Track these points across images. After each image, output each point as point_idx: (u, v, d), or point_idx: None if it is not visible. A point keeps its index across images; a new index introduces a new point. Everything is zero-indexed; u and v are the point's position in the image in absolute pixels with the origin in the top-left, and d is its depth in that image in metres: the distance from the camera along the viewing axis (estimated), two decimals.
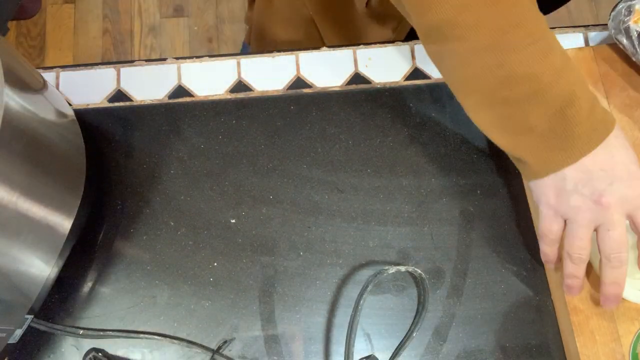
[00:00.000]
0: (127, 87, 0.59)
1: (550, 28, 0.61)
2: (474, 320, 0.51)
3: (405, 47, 0.60)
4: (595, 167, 0.44)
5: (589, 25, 0.61)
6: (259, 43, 0.82)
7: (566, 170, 0.45)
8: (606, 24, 0.61)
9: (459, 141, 0.57)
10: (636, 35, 0.53)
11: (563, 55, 0.44)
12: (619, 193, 0.44)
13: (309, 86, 0.59)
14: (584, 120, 0.43)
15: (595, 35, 0.60)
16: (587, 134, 0.44)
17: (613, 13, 0.55)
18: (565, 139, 0.44)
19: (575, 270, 0.47)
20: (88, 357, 0.49)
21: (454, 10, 0.43)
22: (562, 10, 0.77)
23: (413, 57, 0.60)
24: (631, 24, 0.53)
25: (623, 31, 0.54)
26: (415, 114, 0.58)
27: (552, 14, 0.73)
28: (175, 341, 0.49)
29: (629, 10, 0.53)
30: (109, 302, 0.52)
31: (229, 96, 0.59)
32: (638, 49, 0.54)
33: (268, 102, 0.58)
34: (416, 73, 0.59)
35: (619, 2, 0.55)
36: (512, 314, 0.52)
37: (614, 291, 0.46)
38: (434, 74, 0.59)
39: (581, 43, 0.60)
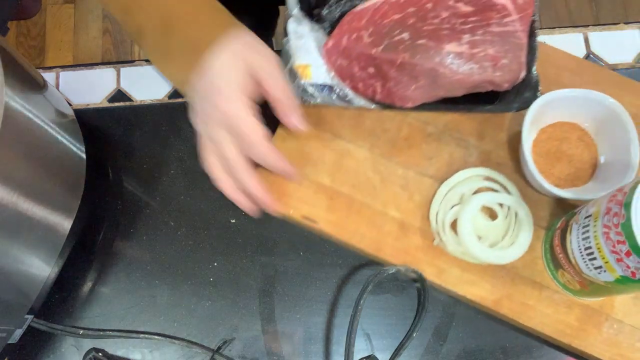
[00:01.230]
0: (127, 87, 0.59)
1: (550, 28, 0.61)
2: (474, 320, 0.51)
3: None
4: (192, 91, 0.45)
5: (588, 25, 0.61)
6: None
7: (192, 93, 0.46)
8: (606, 24, 0.61)
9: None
10: (321, 89, 0.50)
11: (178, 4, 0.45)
12: (207, 111, 0.45)
13: None
14: (176, 46, 0.44)
15: (595, 35, 0.60)
16: (180, 58, 0.45)
17: (288, 79, 0.50)
18: (171, 65, 0.46)
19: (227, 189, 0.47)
20: (88, 357, 0.49)
21: None
22: (562, 10, 0.77)
23: None
24: (301, 82, 0.49)
25: (305, 92, 0.50)
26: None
27: (552, 14, 0.73)
28: (175, 341, 0.49)
29: (293, 75, 0.49)
30: (109, 302, 0.52)
31: None
32: (334, 99, 0.50)
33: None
34: None
35: (288, 71, 0.50)
36: None
37: (257, 199, 0.47)
38: None
39: (581, 43, 0.60)
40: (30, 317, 0.48)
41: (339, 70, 0.50)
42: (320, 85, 0.50)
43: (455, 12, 0.47)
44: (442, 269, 0.50)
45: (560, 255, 0.47)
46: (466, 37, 0.46)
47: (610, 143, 0.51)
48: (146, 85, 0.59)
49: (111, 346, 0.51)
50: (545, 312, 0.49)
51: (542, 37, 0.60)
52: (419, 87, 0.48)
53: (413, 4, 0.47)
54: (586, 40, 0.60)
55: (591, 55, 0.60)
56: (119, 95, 0.59)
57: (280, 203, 0.51)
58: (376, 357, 0.47)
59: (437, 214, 0.51)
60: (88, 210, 0.53)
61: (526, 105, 0.49)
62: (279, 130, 0.53)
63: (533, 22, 0.48)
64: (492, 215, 0.51)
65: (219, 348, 0.50)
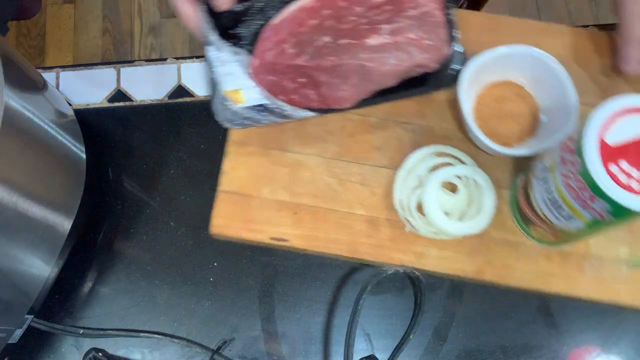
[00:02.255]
0: (127, 87, 0.59)
1: None
2: (474, 320, 0.51)
3: None
4: None
5: (588, 26, 0.61)
6: None
7: None
8: (606, 24, 0.61)
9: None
10: (257, 110, 0.49)
11: None
12: None
13: None
14: None
15: None
16: None
17: (216, 106, 0.49)
18: None
19: None
20: (88, 357, 0.49)
21: None
22: (562, 10, 0.77)
23: None
24: (235, 108, 0.48)
25: (241, 117, 0.49)
26: None
27: (552, 14, 0.73)
28: (175, 340, 0.49)
29: (226, 102, 0.48)
30: (109, 302, 0.52)
31: None
32: (273, 117, 0.49)
33: None
34: None
35: (214, 98, 0.49)
36: (512, 314, 0.52)
37: None
38: None
39: None
40: (30, 317, 0.48)
41: (270, 87, 0.49)
42: (256, 106, 0.49)
43: (370, 5, 0.47)
44: (420, 253, 0.50)
45: (529, 212, 0.47)
46: (386, 28, 0.47)
47: (547, 91, 0.51)
48: (146, 85, 0.59)
49: (111, 346, 0.51)
50: (528, 268, 0.49)
51: None
52: (351, 85, 0.48)
53: (327, 6, 0.47)
54: None
55: None
56: (119, 95, 0.59)
57: (246, 230, 0.51)
58: (376, 357, 0.47)
59: (400, 202, 0.51)
60: (88, 210, 0.53)
61: (456, 78, 0.49)
62: (227, 162, 0.53)
63: None
64: (453, 188, 0.51)
65: (219, 348, 0.50)
